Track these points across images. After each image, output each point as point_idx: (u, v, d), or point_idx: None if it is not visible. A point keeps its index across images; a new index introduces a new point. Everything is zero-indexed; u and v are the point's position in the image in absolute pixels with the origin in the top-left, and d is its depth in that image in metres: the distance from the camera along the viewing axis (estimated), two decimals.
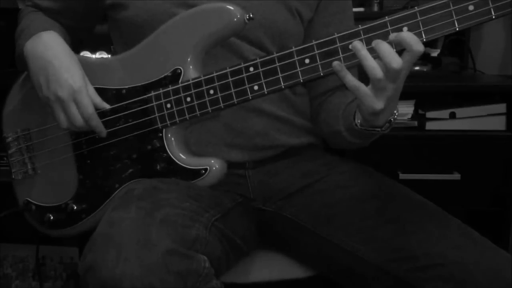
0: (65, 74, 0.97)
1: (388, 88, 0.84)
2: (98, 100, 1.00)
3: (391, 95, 0.85)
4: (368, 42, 0.85)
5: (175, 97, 0.97)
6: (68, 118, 0.98)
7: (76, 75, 0.98)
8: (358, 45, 0.84)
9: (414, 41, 0.81)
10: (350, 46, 0.85)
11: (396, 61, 0.81)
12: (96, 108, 0.99)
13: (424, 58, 1.78)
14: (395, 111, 0.92)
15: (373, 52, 0.83)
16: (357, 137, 0.99)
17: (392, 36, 0.83)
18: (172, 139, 0.99)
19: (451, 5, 0.82)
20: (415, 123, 1.55)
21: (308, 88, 1.16)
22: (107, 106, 1.00)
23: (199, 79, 0.95)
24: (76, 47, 1.04)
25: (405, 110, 1.54)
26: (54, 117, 1.00)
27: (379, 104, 0.85)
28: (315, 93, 1.14)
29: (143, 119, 0.99)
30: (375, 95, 0.85)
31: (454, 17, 0.82)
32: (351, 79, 0.85)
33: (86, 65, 1.01)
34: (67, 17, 1.10)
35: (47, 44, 1.01)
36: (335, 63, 0.86)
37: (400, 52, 0.83)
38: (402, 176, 1.49)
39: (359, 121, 0.95)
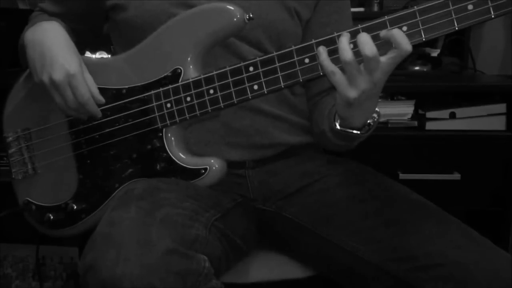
0: (60, 59, 0.97)
1: (361, 78, 0.83)
2: (94, 89, 0.99)
3: (366, 88, 0.84)
4: None
5: (175, 97, 0.97)
6: (64, 101, 0.98)
7: (72, 61, 0.98)
8: (344, 32, 0.85)
9: (402, 40, 0.81)
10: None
11: (369, 48, 0.81)
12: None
13: (424, 58, 1.78)
14: (375, 114, 0.92)
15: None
16: (339, 138, 0.99)
17: (383, 32, 0.83)
18: (172, 138, 0.99)
19: (450, 5, 0.82)
20: (415, 123, 1.55)
21: (305, 88, 1.16)
22: (103, 99, 1.00)
23: (199, 78, 0.95)
24: (78, 48, 1.04)
25: (405, 110, 1.54)
26: (53, 100, 1.00)
27: (352, 93, 0.85)
28: (311, 93, 1.14)
29: (143, 119, 0.99)
30: (348, 83, 0.85)
31: (453, 16, 0.82)
32: (328, 64, 0.85)
33: (86, 65, 1.01)
34: (70, 19, 1.11)
35: (47, 31, 1.02)
36: (320, 47, 0.86)
37: None
38: (402, 176, 1.49)
39: (338, 122, 0.95)
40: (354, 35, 0.85)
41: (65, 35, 1.03)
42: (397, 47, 0.81)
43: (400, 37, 0.81)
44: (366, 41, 0.81)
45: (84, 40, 1.13)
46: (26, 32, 1.04)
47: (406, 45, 0.81)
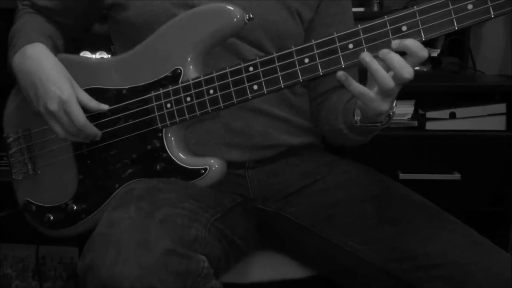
0: (52, 87, 0.97)
1: (395, 92, 0.86)
2: (93, 103, 1.00)
3: (395, 96, 0.87)
4: (367, 41, 0.85)
5: (175, 97, 0.97)
6: (63, 129, 0.99)
7: (64, 86, 0.98)
8: (367, 58, 0.83)
9: (419, 48, 0.82)
10: (359, 57, 0.84)
11: (408, 71, 0.82)
12: (93, 110, 1.00)
13: None
14: (393, 105, 0.92)
15: (379, 60, 0.83)
16: (357, 133, 0.99)
17: (395, 43, 0.83)
18: (172, 139, 0.99)
19: (450, 4, 0.82)
20: (415, 123, 1.55)
21: (308, 89, 1.16)
22: (105, 107, 1.01)
23: (199, 79, 0.95)
24: (76, 47, 1.04)
25: (405, 110, 1.54)
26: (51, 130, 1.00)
27: (385, 107, 0.87)
28: (315, 93, 1.14)
29: (143, 119, 0.99)
30: (382, 100, 0.86)
31: (453, 16, 0.82)
32: (356, 87, 0.86)
33: (86, 65, 1.01)
34: (65, 16, 1.10)
35: (33, 58, 1.01)
36: (340, 73, 0.86)
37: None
38: (402, 176, 1.49)
39: (358, 118, 0.95)
40: (354, 35, 0.85)
41: (51, 57, 1.02)
42: (415, 56, 0.82)
43: (415, 46, 0.82)
44: (403, 65, 0.82)
45: (71, 35, 1.12)
46: (13, 59, 1.02)
47: (423, 52, 0.82)
